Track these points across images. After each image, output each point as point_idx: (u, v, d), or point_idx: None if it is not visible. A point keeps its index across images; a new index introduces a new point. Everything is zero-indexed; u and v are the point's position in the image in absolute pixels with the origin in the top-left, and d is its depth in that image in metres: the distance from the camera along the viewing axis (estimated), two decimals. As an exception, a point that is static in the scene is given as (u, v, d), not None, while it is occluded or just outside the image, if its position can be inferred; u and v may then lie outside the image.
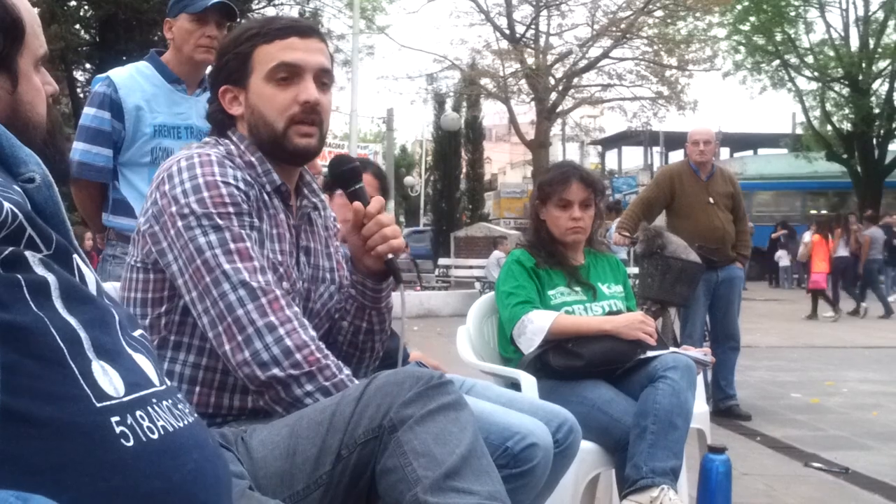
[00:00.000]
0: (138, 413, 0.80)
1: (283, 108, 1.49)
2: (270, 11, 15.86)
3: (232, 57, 1.52)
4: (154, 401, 0.84)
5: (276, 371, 1.35)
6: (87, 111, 2.71)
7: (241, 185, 1.43)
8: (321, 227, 1.66)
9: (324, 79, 1.53)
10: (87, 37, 13.13)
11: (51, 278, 0.78)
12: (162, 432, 0.81)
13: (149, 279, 1.47)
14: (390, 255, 1.55)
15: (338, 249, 1.70)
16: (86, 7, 13.03)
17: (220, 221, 1.38)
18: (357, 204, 1.55)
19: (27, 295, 0.75)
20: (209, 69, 1.63)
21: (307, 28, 1.55)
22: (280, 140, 1.50)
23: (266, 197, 1.51)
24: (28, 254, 0.77)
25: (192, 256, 1.38)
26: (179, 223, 1.39)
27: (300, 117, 1.50)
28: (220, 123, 1.57)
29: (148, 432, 0.80)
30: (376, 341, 1.69)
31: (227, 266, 1.37)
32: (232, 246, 1.38)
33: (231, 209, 1.40)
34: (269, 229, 1.49)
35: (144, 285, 1.47)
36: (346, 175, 1.61)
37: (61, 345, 0.76)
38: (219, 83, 1.55)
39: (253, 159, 1.52)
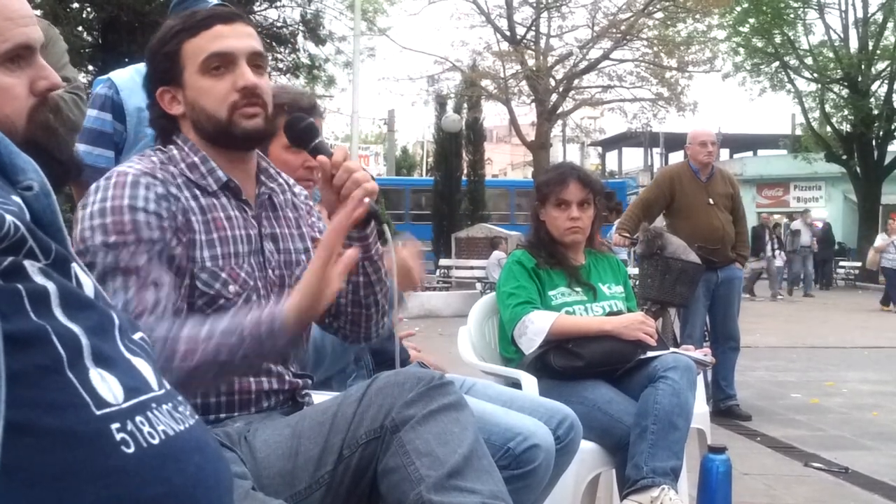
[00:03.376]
0: (138, 419, 0.80)
1: (222, 98, 1.46)
2: (272, 13, 15.86)
3: (161, 57, 1.49)
4: (154, 405, 0.83)
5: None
6: (89, 113, 2.71)
7: (151, 206, 1.39)
8: (289, 209, 1.62)
9: (257, 62, 1.50)
10: (89, 39, 13.12)
11: (50, 287, 0.78)
12: (163, 437, 0.81)
13: None
14: (367, 199, 1.48)
15: (313, 226, 1.67)
16: (88, 9, 13.03)
17: (108, 253, 1.35)
18: (321, 157, 1.49)
19: (27, 304, 0.75)
20: (144, 76, 1.58)
21: (230, 14, 1.52)
22: (226, 128, 1.46)
23: (206, 200, 1.47)
24: (27, 263, 0.77)
25: None
26: (80, 246, 1.37)
27: (241, 103, 1.46)
28: (163, 128, 1.53)
29: (149, 437, 0.79)
30: (378, 293, 1.61)
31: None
32: (122, 264, 1.35)
33: (130, 237, 1.36)
34: (202, 238, 1.45)
35: None
36: (303, 132, 1.56)
37: (62, 353, 0.76)
38: (154, 86, 1.51)
39: (196, 160, 1.49)
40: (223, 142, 1.49)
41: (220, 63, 1.46)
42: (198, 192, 1.47)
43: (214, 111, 1.46)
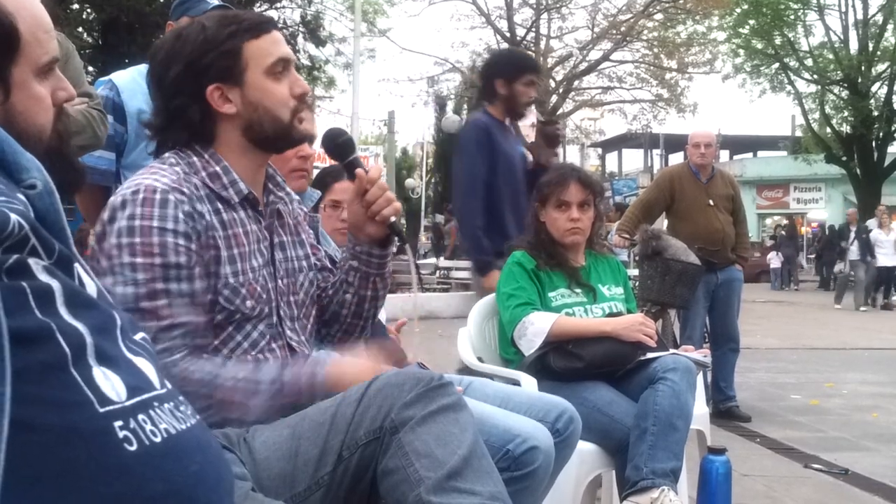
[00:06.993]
0: (140, 417, 0.80)
1: (285, 101, 1.51)
2: (272, 14, 15.87)
3: (217, 55, 1.46)
4: (156, 404, 0.84)
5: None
6: (89, 114, 2.72)
7: (181, 227, 1.39)
8: (290, 217, 1.65)
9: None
10: (89, 40, 13.15)
11: (55, 285, 0.78)
12: (165, 435, 0.81)
13: None
14: (393, 218, 1.61)
15: (309, 234, 1.71)
16: (88, 10, 13.06)
17: (138, 276, 1.35)
18: (360, 171, 1.59)
19: (32, 302, 0.75)
20: (176, 74, 1.52)
21: (274, 21, 1.60)
22: (288, 129, 1.51)
23: (227, 215, 1.48)
24: (32, 261, 0.77)
25: None
26: (105, 263, 1.37)
27: (300, 107, 1.53)
28: (197, 129, 1.49)
29: (151, 435, 0.80)
30: (378, 307, 1.73)
31: None
32: (142, 304, 1.35)
33: (157, 260, 1.36)
34: (224, 254, 1.45)
35: None
36: (342, 147, 1.66)
37: (66, 350, 0.76)
38: (206, 83, 1.46)
39: (217, 169, 1.48)
40: (277, 143, 1.55)
41: (283, 68, 1.51)
42: (220, 206, 1.48)
43: (280, 113, 1.51)
